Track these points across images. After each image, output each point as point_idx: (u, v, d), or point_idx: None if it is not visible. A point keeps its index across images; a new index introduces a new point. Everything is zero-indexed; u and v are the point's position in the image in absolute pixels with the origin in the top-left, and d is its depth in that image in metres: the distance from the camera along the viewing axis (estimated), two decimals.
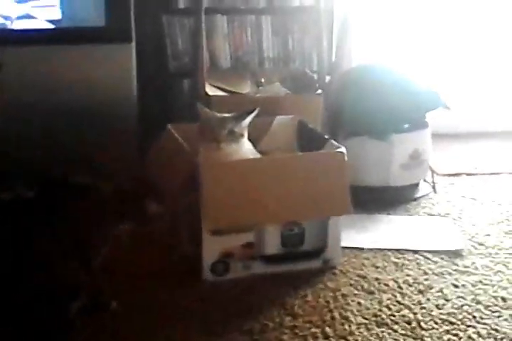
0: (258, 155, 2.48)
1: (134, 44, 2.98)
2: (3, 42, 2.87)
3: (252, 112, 2.41)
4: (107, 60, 2.98)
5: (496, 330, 2.07)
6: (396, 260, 2.52)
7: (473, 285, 2.33)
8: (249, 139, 2.47)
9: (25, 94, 2.92)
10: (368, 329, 2.07)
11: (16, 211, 2.04)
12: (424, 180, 3.23)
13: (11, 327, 1.90)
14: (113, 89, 3.01)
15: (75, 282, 1.99)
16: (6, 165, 2.83)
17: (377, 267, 2.46)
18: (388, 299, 2.24)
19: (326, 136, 2.58)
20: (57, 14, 2.92)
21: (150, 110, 3.37)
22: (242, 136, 2.37)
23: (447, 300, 2.24)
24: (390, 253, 2.57)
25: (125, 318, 2.10)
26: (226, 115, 2.42)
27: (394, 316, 2.14)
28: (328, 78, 3.29)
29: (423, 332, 2.05)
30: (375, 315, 2.14)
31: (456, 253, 2.56)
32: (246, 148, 2.42)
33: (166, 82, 3.58)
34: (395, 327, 2.08)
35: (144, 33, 3.19)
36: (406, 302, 2.23)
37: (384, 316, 2.14)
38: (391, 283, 2.35)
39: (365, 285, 2.33)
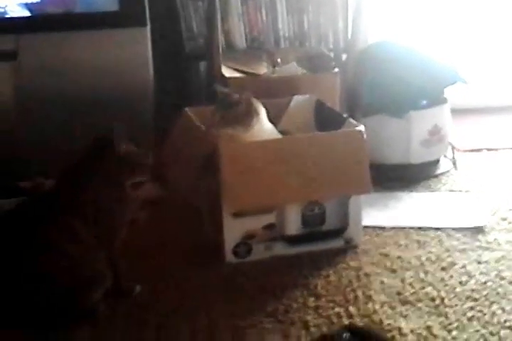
0: (279, 136, 2.46)
1: (148, 28, 2.97)
2: (17, 29, 2.88)
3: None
4: (122, 45, 2.97)
5: None
6: (418, 237, 2.51)
7: (496, 261, 2.32)
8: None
9: (41, 81, 2.93)
10: (392, 308, 2.06)
11: (35, 199, 2.05)
12: (445, 156, 3.21)
13: (33, 314, 1.92)
14: (129, 73, 3.00)
15: (96, 267, 2.00)
16: (25, 153, 2.86)
17: (399, 245, 2.46)
18: (411, 277, 2.24)
19: (344, 115, 2.57)
20: None
21: (167, 93, 3.37)
22: (238, 122, 2.34)
23: (470, 277, 2.23)
24: (411, 230, 2.56)
25: (148, 302, 2.11)
26: (231, 99, 2.40)
27: (417, 294, 2.14)
28: (344, 56, 3.27)
29: (447, 309, 2.05)
30: (399, 293, 2.14)
31: (479, 229, 2.55)
32: (263, 130, 2.40)
33: (182, 65, 3.58)
34: (419, 304, 2.08)
35: (158, 16, 3.17)
36: (429, 279, 2.22)
37: (407, 294, 2.13)
38: (413, 261, 2.34)
39: (388, 264, 2.32)
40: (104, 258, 2.03)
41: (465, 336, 1.93)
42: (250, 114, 2.36)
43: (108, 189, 2.03)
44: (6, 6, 2.88)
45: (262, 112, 2.41)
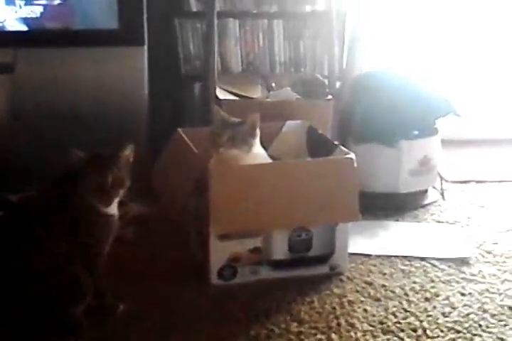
0: (270, 160, 2.48)
1: (146, 47, 3.00)
2: (16, 43, 2.89)
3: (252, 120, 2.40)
4: (119, 63, 3.00)
5: (502, 339, 2.06)
6: (403, 267, 2.52)
7: (480, 294, 2.33)
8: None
9: (37, 95, 2.95)
10: (374, 337, 2.07)
11: (20, 212, 2.05)
12: (433, 187, 3.23)
13: (14, 330, 1.92)
14: (124, 91, 3.02)
15: (77, 284, 2.00)
16: (18, 166, 2.86)
17: (384, 274, 2.46)
18: (394, 306, 2.24)
19: (336, 142, 2.59)
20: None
21: (161, 113, 3.38)
22: (244, 142, 2.35)
23: (454, 308, 2.24)
24: (397, 260, 2.57)
25: (132, 322, 2.10)
26: (235, 120, 2.42)
27: (400, 323, 2.14)
28: (338, 84, 3.30)
29: (429, 340, 2.05)
30: (381, 322, 2.14)
31: (464, 261, 2.56)
32: (257, 154, 2.41)
33: (177, 85, 3.60)
34: (401, 334, 2.08)
35: (156, 36, 3.19)
36: (412, 309, 2.23)
37: (390, 323, 2.14)
38: (398, 290, 2.35)
39: (372, 292, 2.33)
40: (85, 273, 2.03)
41: None
42: (253, 135, 2.38)
43: (82, 209, 2.03)
44: (5, 20, 2.90)
45: (258, 137, 2.42)
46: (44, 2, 2.91)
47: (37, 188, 2.10)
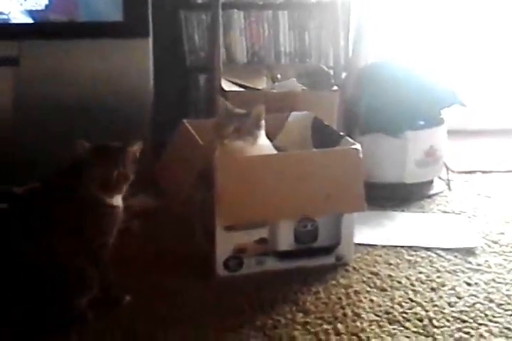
0: (275, 152, 2.47)
1: (151, 39, 3.00)
2: (21, 36, 2.89)
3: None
4: (124, 55, 3.00)
5: (508, 329, 2.06)
6: (409, 257, 2.52)
7: (486, 284, 2.33)
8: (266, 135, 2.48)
9: (41, 88, 2.95)
10: (380, 327, 2.07)
11: (25, 204, 2.06)
12: (439, 177, 3.22)
13: (14, 330, 1.93)
14: (130, 83, 3.02)
15: (82, 276, 2.01)
16: (23, 159, 2.87)
17: (390, 264, 2.47)
18: (400, 296, 2.25)
19: (341, 133, 2.59)
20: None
21: (166, 105, 3.38)
22: (249, 133, 2.35)
23: (459, 298, 2.24)
24: (403, 250, 2.57)
25: (137, 312, 2.11)
26: (240, 111, 2.41)
27: (406, 313, 2.14)
28: (344, 74, 3.29)
29: (435, 330, 2.05)
30: (387, 312, 2.15)
31: (470, 251, 2.56)
32: (262, 145, 2.41)
33: (182, 77, 3.60)
34: (407, 324, 2.08)
35: (161, 27, 3.19)
36: (418, 299, 2.23)
37: (396, 313, 2.14)
38: (404, 281, 2.35)
39: (378, 282, 2.33)
40: (90, 265, 2.03)
41: None
42: (258, 127, 2.38)
43: (86, 200, 2.03)
44: (10, 12, 2.90)
45: (263, 128, 2.42)
46: None
47: (41, 179, 2.10)
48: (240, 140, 2.34)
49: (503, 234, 2.72)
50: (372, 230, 2.71)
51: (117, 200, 2.07)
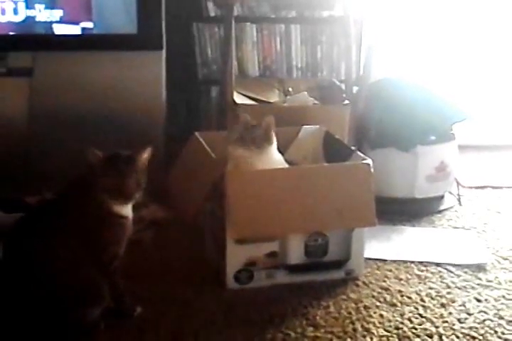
0: (286, 165, 2.48)
1: (164, 51, 3.01)
2: (35, 47, 2.92)
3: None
4: (137, 67, 3.02)
5: None
6: (419, 272, 2.52)
7: (496, 300, 2.33)
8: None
9: (55, 99, 2.97)
10: None
11: (37, 214, 2.07)
12: (450, 192, 3.22)
13: (29, 332, 1.93)
14: (142, 95, 3.04)
15: (94, 287, 2.01)
16: (36, 168, 2.88)
17: (400, 279, 2.47)
18: (410, 312, 2.24)
19: (352, 147, 2.59)
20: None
21: (178, 117, 3.40)
22: (253, 143, 2.35)
23: (469, 315, 2.23)
24: (413, 265, 2.57)
25: (149, 324, 2.12)
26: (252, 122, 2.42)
27: (416, 329, 2.14)
28: (355, 89, 3.30)
29: None
30: (397, 328, 2.15)
31: (480, 267, 2.56)
32: (274, 158, 2.42)
33: (194, 90, 3.61)
34: (417, 340, 2.08)
35: (174, 40, 3.21)
36: (428, 315, 2.22)
37: (406, 329, 2.14)
38: (414, 296, 2.35)
39: (388, 298, 2.33)
40: (100, 275, 2.04)
41: None
42: (267, 138, 2.38)
43: (97, 212, 2.03)
44: (25, 23, 2.92)
45: (275, 141, 2.42)
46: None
47: (54, 190, 2.11)
48: (242, 148, 2.34)
49: None
50: (382, 245, 2.71)
51: (128, 211, 2.07)
